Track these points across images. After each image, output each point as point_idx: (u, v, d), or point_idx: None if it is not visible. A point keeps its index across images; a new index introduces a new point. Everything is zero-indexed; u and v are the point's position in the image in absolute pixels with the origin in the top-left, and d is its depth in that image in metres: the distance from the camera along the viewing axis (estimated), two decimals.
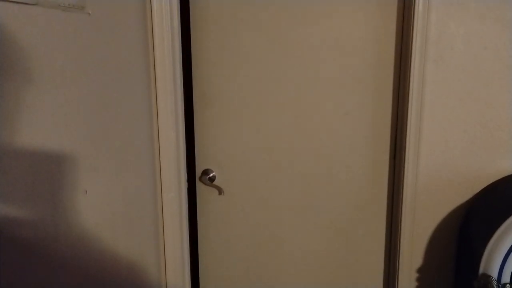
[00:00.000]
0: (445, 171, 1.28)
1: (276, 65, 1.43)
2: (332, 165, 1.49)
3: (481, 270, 1.07)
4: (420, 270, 1.36)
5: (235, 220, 1.57)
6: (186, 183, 1.53)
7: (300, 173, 1.50)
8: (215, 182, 1.54)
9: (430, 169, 1.29)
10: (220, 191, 1.55)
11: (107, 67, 1.19)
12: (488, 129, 1.24)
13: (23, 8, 0.91)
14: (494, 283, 1.05)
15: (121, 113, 1.26)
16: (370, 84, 1.40)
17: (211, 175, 1.54)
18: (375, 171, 1.44)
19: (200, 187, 1.58)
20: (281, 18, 1.40)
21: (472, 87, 1.23)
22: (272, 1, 1.39)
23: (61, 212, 1.04)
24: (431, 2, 1.21)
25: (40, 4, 0.95)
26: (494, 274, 1.06)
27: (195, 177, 1.57)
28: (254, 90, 1.46)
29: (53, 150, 1.00)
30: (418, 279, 1.36)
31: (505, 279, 1.06)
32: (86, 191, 1.11)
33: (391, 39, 1.35)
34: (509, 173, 1.25)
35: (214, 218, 1.58)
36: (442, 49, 1.23)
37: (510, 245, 1.04)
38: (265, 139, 1.49)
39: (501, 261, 1.05)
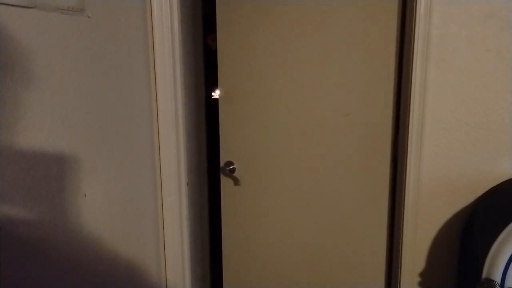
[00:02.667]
0: (447, 173, 1.27)
1: (289, 67, 1.50)
2: (334, 165, 1.50)
3: (484, 275, 1.06)
4: (422, 274, 1.34)
5: (250, 208, 1.67)
6: (187, 186, 1.52)
7: (307, 170, 1.54)
8: (235, 174, 1.65)
9: (432, 171, 1.28)
10: (236, 181, 1.66)
11: (107, 69, 1.18)
12: (491, 131, 1.22)
13: (22, 11, 0.90)
14: (498, 287, 1.04)
15: (121, 116, 1.26)
16: (372, 86, 1.39)
17: (231, 167, 1.64)
18: (377, 173, 1.43)
19: (222, 177, 1.70)
20: (292, 26, 1.46)
21: (475, 89, 1.22)
22: (283, 11, 1.47)
23: (60, 214, 1.04)
24: (433, 4, 1.20)
25: (39, 7, 0.95)
26: (497, 279, 1.04)
27: (219, 167, 1.69)
28: (269, 91, 1.54)
29: (51, 152, 1.00)
30: (420, 283, 1.35)
31: (509, 283, 1.04)
32: (85, 195, 1.11)
33: (393, 41, 1.34)
34: None
35: (233, 206, 1.69)
36: (444, 51, 1.22)
37: None
38: (278, 136, 1.56)
39: (504, 265, 1.04)
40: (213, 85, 2.51)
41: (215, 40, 2.60)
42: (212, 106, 1.78)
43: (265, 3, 1.47)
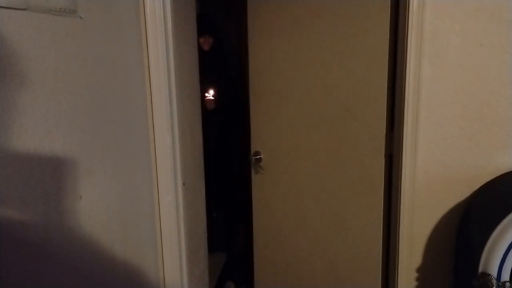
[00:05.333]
0: (443, 168, 1.27)
1: (302, 67, 1.61)
2: (334, 158, 1.55)
3: (480, 269, 1.06)
4: (419, 270, 1.35)
5: (272, 193, 1.86)
6: (183, 186, 1.52)
7: (313, 160, 1.64)
8: (261, 163, 1.85)
9: (428, 166, 1.28)
10: (257, 170, 1.87)
11: (101, 70, 1.18)
12: (485, 125, 1.23)
13: (13, 13, 0.90)
14: (494, 281, 1.04)
15: (116, 117, 1.25)
16: (367, 83, 1.40)
17: (258, 156, 1.84)
18: (372, 168, 1.43)
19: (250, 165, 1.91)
20: (304, 33, 1.58)
21: (468, 84, 1.22)
22: (297, 21, 1.60)
23: (56, 217, 1.03)
24: None
25: (31, 9, 0.94)
26: (494, 273, 1.04)
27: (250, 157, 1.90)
28: (286, 88, 1.69)
29: (46, 154, 1.00)
30: (417, 279, 1.35)
31: (505, 277, 1.04)
32: (81, 197, 1.11)
33: (386, 37, 1.34)
34: (507, 170, 1.24)
35: (260, 190, 1.91)
36: (437, 46, 1.22)
37: (508, 243, 1.03)
38: (293, 130, 1.69)
39: (500, 259, 1.04)
40: (208, 85, 2.55)
41: (206, 40, 2.61)
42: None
43: (284, 16, 1.64)
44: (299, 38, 1.59)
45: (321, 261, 1.68)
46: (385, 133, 1.38)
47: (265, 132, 1.82)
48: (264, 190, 1.88)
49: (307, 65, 1.59)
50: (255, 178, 1.90)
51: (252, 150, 1.87)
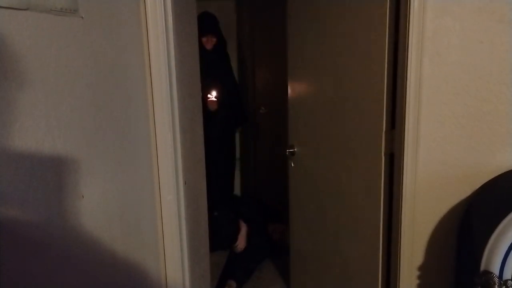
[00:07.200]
0: (444, 167, 1.27)
1: (325, 67, 1.70)
2: (342, 156, 1.61)
3: (482, 267, 1.06)
4: (421, 268, 1.34)
5: (300, 181, 2.03)
6: (185, 185, 1.52)
7: (328, 156, 1.71)
8: (294, 156, 2.01)
9: (429, 165, 1.28)
10: (289, 163, 2.04)
11: (102, 70, 1.18)
12: (486, 124, 1.22)
13: (14, 13, 0.90)
14: (496, 280, 1.04)
15: (117, 116, 1.26)
16: (369, 81, 1.40)
17: (291, 150, 2.00)
18: (373, 166, 1.43)
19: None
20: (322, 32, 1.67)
21: (469, 82, 1.22)
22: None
23: (58, 216, 1.04)
24: None
25: (32, 9, 0.94)
26: (496, 271, 1.04)
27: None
28: (313, 86, 1.84)
29: (47, 154, 1.00)
30: (419, 277, 1.35)
31: (507, 275, 1.04)
32: (82, 196, 1.11)
33: (387, 35, 1.33)
34: (509, 168, 1.23)
35: (292, 179, 2.10)
36: (438, 44, 1.22)
37: (510, 241, 1.03)
38: (316, 127, 1.80)
39: (502, 257, 1.04)
40: (211, 85, 2.56)
41: (209, 40, 2.62)
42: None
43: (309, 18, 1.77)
44: (320, 39, 1.68)
45: (334, 254, 1.76)
46: (384, 131, 1.38)
47: (298, 126, 1.97)
48: (294, 182, 2.04)
49: (326, 64, 1.66)
50: (288, 171, 2.09)
51: (289, 143, 2.04)
